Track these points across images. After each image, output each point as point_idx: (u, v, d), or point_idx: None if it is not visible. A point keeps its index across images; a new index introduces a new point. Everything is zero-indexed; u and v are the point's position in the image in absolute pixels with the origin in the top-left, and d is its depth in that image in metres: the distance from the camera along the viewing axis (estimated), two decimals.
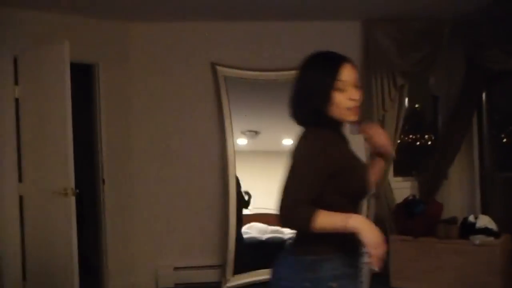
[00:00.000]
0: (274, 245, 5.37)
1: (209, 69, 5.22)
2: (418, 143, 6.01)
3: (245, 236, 5.45)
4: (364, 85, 5.26)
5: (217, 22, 5.23)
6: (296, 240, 2.05)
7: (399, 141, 5.47)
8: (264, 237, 5.57)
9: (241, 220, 5.35)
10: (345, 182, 1.99)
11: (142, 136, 5.21)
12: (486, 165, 5.48)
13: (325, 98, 2.00)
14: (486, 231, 4.46)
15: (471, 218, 4.57)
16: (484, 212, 5.25)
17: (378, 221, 5.20)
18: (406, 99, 5.39)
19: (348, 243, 1.98)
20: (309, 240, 1.97)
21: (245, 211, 5.62)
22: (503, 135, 5.63)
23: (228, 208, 5.09)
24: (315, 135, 2.00)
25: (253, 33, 5.31)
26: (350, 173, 2.01)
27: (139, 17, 5.05)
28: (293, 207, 1.90)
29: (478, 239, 4.44)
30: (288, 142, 6.21)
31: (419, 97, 5.92)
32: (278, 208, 1.91)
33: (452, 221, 4.67)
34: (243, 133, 5.72)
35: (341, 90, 1.99)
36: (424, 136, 6.04)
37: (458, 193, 5.58)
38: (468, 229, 4.54)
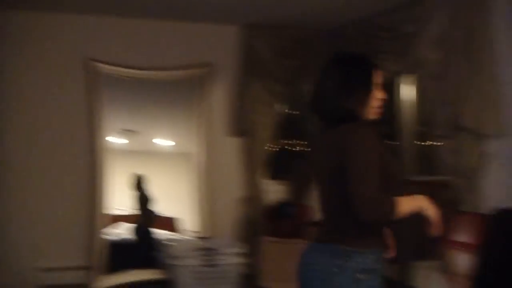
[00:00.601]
0: (143, 246, 5.33)
1: (85, 65, 5.05)
2: (294, 148, 6.20)
3: (113, 237, 5.35)
4: (240, 89, 5.37)
5: (95, 17, 5.07)
6: (330, 231, 2.14)
7: (277, 146, 5.65)
8: (133, 237, 5.51)
9: (108, 220, 5.24)
10: (386, 176, 2.07)
11: (11, 130, 4.93)
12: None
13: (366, 98, 2.14)
14: None
15: None
16: None
17: (250, 223, 5.32)
18: (282, 105, 5.55)
19: (381, 241, 2.13)
20: (346, 232, 2.08)
21: (116, 211, 5.53)
22: None
23: (95, 208, 4.97)
24: (363, 130, 2.07)
25: (131, 31, 5.21)
26: (388, 167, 2.11)
27: (17, 5, 4.77)
28: (377, 198, 1.97)
29: None
30: (160, 142, 6.19)
31: (296, 103, 6.13)
32: (361, 202, 1.95)
33: (319, 223, 4.88)
34: (120, 132, 5.63)
35: (373, 92, 2.16)
36: (299, 141, 6.25)
37: None
38: None
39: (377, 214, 1.99)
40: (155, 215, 5.69)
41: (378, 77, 2.17)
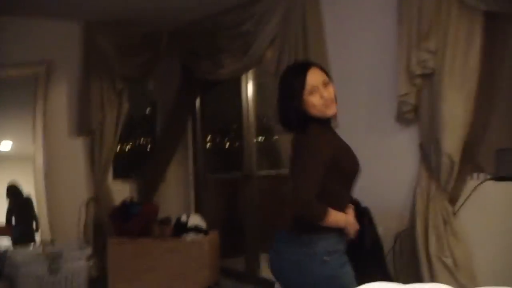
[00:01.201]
0: None
1: None
2: (140, 147, 6.15)
3: None
4: (83, 88, 5.22)
5: None
6: (296, 221, 2.37)
7: (123, 146, 5.56)
8: None
9: None
10: (340, 168, 2.36)
11: None
12: (199, 167, 5.88)
13: (301, 103, 2.36)
14: (196, 229, 4.78)
15: (183, 218, 4.85)
16: (197, 211, 5.64)
17: (97, 224, 5.19)
18: (128, 104, 5.47)
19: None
20: (308, 222, 2.33)
21: None
22: (217, 140, 6.11)
23: None
24: (309, 134, 2.35)
25: None
26: (342, 158, 2.38)
27: None
28: (308, 203, 2.25)
29: (189, 237, 4.73)
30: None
31: (141, 102, 6.08)
32: (295, 203, 2.27)
33: (166, 221, 4.89)
34: None
35: (312, 93, 2.36)
36: (146, 140, 6.21)
37: (175, 195, 5.87)
38: (180, 228, 4.80)
39: (306, 216, 2.30)
40: None
41: (314, 79, 2.39)
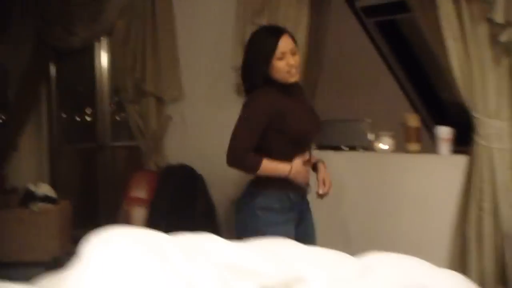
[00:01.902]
0: None
1: None
2: None
3: None
4: None
5: None
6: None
7: None
8: None
9: None
10: (283, 128, 2.49)
11: None
12: (54, 137, 5.75)
13: (268, 66, 2.48)
14: (46, 198, 4.72)
15: (32, 187, 4.76)
16: (51, 181, 5.54)
17: None
18: None
19: (284, 185, 2.53)
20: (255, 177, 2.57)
21: None
22: (73, 109, 6.00)
23: None
24: (256, 94, 2.51)
25: None
26: (286, 118, 2.48)
27: None
28: (240, 154, 2.46)
29: (37, 206, 4.66)
30: None
31: None
32: (228, 153, 2.48)
33: (12, 190, 4.78)
34: None
35: (280, 58, 2.47)
36: None
37: (28, 164, 5.71)
38: (29, 198, 4.71)
39: (237, 166, 2.51)
40: None
41: (285, 46, 2.49)
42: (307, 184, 2.65)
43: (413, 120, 3.13)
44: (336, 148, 3.45)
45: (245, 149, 2.47)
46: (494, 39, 2.57)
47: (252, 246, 1.67)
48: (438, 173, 2.99)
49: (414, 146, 3.12)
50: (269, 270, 1.48)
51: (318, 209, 3.44)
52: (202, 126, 4.00)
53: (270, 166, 2.49)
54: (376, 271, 1.69)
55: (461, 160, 2.82)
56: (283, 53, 2.49)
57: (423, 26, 2.97)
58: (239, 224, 2.61)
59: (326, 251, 1.81)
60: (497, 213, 2.67)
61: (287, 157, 2.53)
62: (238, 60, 3.57)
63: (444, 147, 2.98)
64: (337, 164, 3.42)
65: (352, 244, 3.27)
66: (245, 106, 2.55)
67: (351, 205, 3.36)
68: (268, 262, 1.52)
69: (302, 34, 3.34)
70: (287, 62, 2.50)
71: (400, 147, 3.23)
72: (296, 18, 3.35)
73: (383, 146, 3.24)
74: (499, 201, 2.66)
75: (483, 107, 2.67)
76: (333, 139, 3.47)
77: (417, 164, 3.10)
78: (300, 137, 2.57)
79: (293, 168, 2.52)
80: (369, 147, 3.33)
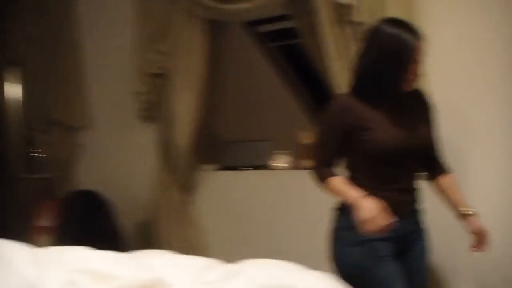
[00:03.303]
0: None
1: None
2: None
3: None
4: None
5: None
6: None
7: None
8: None
9: None
10: (365, 146, 2.10)
11: None
12: None
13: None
14: None
15: None
16: None
17: None
18: None
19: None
20: None
21: None
22: None
23: None
24: (331, 102, 2.22)
25: None
26: (366, 132, 2.09)
27: None
28: (315, 168, 2.21)
29: None
30: None
31: None
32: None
33: None
34: None
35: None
36: None
37: None
38: None
39: (315, 181, 2.24)
40: None
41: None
42: (377, 233, 2.06)
43: (307, 137, 3.28)
44: (238, 168, 3.57)
45: (319, 162, 2.21)
46: None
47: (121, 256, 1.73)
48: None
49: (308, 163, 3.26)
50: (129, 274, 1.55)
51: (220, 226, 3.57)
52: (110, 152, 4.04)
53: (338, 187, 2.15)
54: (242, 275, 1.78)
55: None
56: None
57: (309, 50, 3.15)
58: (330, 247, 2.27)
59: (196, 258, 1.89)
60: None
61: (367, 177, 2.15)
62: (139, 86, 3.68)
63: None
64: (238, 184, 3.55)
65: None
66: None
67: (254, 222, 3.47)
68: (131, 268, 1.59)
69: (198, 58, 3.46)
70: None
71: (297, 165, 3.38)
72: (191, 43, 3.47)
73: (280, 164, 3.38)
74: None
75: None
76: (235, 160, 3.58)
77: (311, 180, 3.22)
78: (381, 156, 2.11)
79: (361, 205, 2.04)
80: (268, 166, 3.46)
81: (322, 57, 2.94)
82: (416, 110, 2.21)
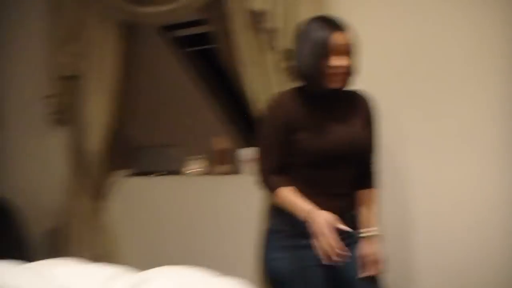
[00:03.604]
0: None
1: None
2: None
3: None
4: None
5: None
6: None
7: None
8: None
9: None
10: (298, 143, 2.03)
11: None
12: None
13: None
14: None
15: None
16: None
17: None
18: None
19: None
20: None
21: None
22: None
23: None
24: (272, 99, 2.17)
25: None
26: (302, 131, 2.03)
27: None
28: (262, 176, 2.11)
29: None
30: None
31: None
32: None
33: None
34: None
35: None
36: None
37: None
38: None
39: (265, 190, 2.14)
40: None
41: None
42: (331, 257, 1.97)
43: (220, 143, 3.28)
44: (150, 173, 3.51)
45: (266, 169, 2.11)
46: (278, 65, 2.81)
47: (21, 267, 1.66)
48: (242, 193, 3.15)
49: (221, 168, 3.27)
50: (30, 286, 1.49)
51: (133, 233, 3.50)
52: (19, 157, 3.87)
53: (289, 199, 2.06)
54: (150, 283, 1.75)
55: None
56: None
57: (223, 56, 3.16)
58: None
59: (104, 267, 1.84)
60: None
61: (305, 179, 2.09)
62: (51, 89, 3.55)
63: (247, 167, 3.15)
64: (151, 190, 3.50)
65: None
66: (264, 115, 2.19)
67: (168, 229, 3.43)
68: (30, 281, 1.53)
69: (111, 61, 3.38)
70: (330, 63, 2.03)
71: (210, 170, 3.37)
72: (105, 45, 3.38)
73: (193, 169, 3.36)
74: None
75: None
76: (148, 165, 3.53)
77: (224, 185, 3.25)
78: (318, 157, 2.06)
79: (315, 222, 1.97)
80: (181, 172, 3.43)
81: (236, 63, 2.96)
82: (354, 112, 2.15)
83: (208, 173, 3.36)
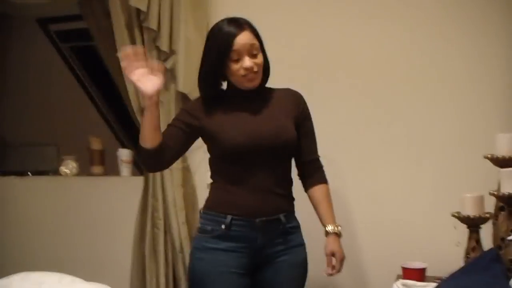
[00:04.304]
0: None
1: None
2: None
3: None
4: None
5: None
6: None
7: None
8: None
9: None
10: (213, 146, 2.04)
11: None
12: None
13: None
14: None
15: None
16: None
17: None
18: None
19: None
20: None
21: None
22: None
23: None
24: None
25: None
26: (213, 135, 2.01)
27: None
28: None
29: None
30: None
31: None
32: None
33: None
34: None
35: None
36: None
37: None
38: None
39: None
40: None
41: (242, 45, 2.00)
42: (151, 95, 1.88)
43: (96, 143, 3.18)
44: (22, 173, 3.33)
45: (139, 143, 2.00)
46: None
47: None
48: (119, 194, 3.08)
49: (97, 169, 3.17)
50: None
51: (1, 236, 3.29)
52: None
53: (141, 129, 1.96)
54: None
55: (139, 180, 2.94)
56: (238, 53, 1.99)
57: (103, 53, 3.06)
58: None
59: None
60: (169, 230, 2.83)
61: (223, 173, 2.06)
62: None
63: (125, 168, 3.08)
64: (22, 190, 3.32)
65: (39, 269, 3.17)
66: None
67: (40, 231, 3.27)
68: None
69: None
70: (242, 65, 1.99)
71: (86, 171, 3.25)
72: None
73: (68, 170, 3.22)
74: (171, 218, 2.82)
75: None
76: (19, 164, 3.35)
77: (100, 187, 3.15)
78: (230, 152, 2.01)
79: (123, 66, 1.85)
80: (54, 172, 3.28)
81: (115, 62, 2.87)
82: (279, 109, 2.08)
83: (84, 173, 3.24)
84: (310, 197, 2.14)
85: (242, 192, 1.99)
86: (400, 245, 2.37)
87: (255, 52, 1.98)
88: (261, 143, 1.99)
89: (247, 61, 1.96)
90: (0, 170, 3.35)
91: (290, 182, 2.11)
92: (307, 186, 2.14)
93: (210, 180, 2.11)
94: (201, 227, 2.06)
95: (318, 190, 2.12)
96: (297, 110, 2.11)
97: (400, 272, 2.22)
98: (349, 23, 2.66)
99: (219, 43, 1.96)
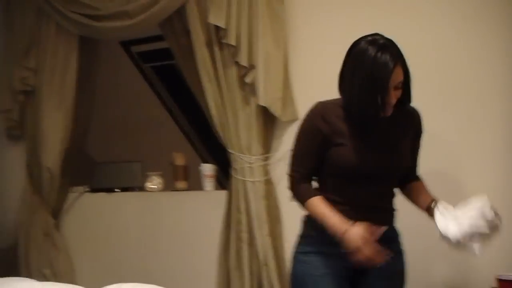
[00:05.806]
0: None
1: None
2: None
3: None
4: None
5: None
6: None
7: None
8: None
9: None
10: (330, 160, 1.99)
11: None
12: None
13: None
14: None
15: None
16: None
17: None
18: None
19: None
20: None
21: None
22: None
23: None
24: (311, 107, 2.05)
25: None
26: (335, 150, 1.98)
27: None
28: (293, 184, 2.06)
29: None
30: None
31: None
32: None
33: None
34: None
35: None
36: None
37: None
38: None
39: (292, 198, 2.10)
40: None
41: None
42: (371, 265, 1.93)
43: (180, 159, 3.25)
44: (110, 190, 3.45)
45: (298, 177, 2.06)
46: (242, 81, 2.81)
47: None
48: (203, 208, 3.13)
49: (181, 184, 3.24)
50: None
51: (90, 251, 3.43)
52: None
53: (320, 210, 2.00)
54: None
55: (222, 194, 2.98)
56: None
57: (184, 70, 3.14)
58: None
59: (58, 285, 1.80)
60: (253, 243, 2.85)
61: (336, 192, 2.04)
62: (5, 103, 3.48)
63: (208, 183, 3.13)
64: (111, 206, 3.44)
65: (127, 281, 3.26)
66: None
67: (126, 246, 3.37)
68: None
69: (68, 76, 3.34)
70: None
71: (170, 186, 3.33)
72: (61, 59, 3.34)
73: (153, 185, 3.32)
74: (255, 231, 2.84)
75: (236, 143, 2.87)
76: (107, 181, 3.47)
77: (184, 201, 3.22)
78: (347, 173, 2.00)
79: (349, 235, 1.92)
80: (140, 188, 3.39)
81: (197, 79, 2.95)
82: (401, 132, 2.05)
83: (167, 189, 3.32)
84: (406, 189, 2.13)
85: (348, 207, 1.99)
86: (495, 254, 2.27)
87: (399, 86, 1.93)
88: (377, 172, 2.00)
89: (393, 98, 1.91)
90: (90, 187, 3.49)
91: (394, 195, 2.11)
92: (404, 183, 2.13)
93: None
94: (304, 232, 2.12)
95: (417, 183, 2.13)
96: (413, 130, 2.09)
97: (494, 284, 2.14)
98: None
99: (376, 76, 1.86)
